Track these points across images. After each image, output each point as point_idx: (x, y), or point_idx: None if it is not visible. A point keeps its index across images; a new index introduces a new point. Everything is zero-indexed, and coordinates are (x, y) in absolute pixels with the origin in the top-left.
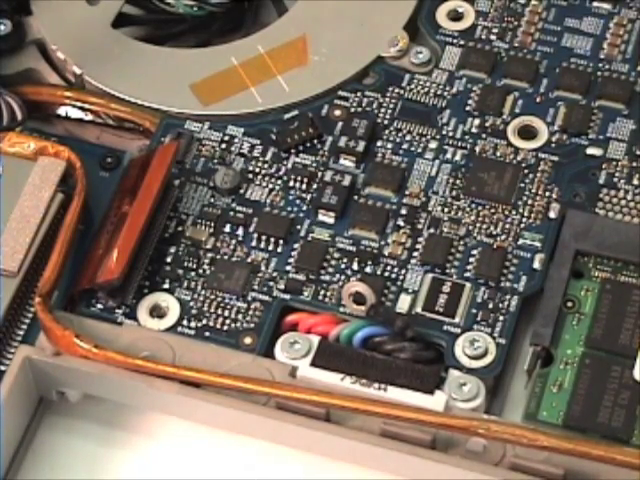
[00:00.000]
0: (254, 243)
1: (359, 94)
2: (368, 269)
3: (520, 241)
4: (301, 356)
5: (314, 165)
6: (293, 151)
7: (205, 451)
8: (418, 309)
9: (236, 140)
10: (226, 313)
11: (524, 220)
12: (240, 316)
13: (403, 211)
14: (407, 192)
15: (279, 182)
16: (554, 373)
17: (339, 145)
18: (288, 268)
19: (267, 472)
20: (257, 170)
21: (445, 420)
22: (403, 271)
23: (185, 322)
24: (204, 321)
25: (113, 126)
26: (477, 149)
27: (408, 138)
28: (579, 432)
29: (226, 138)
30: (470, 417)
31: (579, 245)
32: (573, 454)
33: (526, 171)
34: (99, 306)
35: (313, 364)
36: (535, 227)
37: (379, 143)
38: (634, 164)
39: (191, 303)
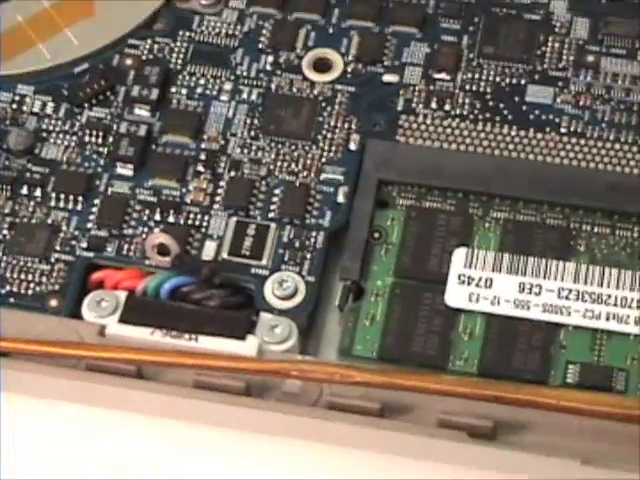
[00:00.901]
0: (53, 203)
1: (149, 41)
2: (171, 219)
3: (322, 176)
4: (109, 314)
5: (108, 118)
6: (86, 105)
7: (18, 420)
8: (224, 255)
9: (27, 99)
10: (30, 277)
11: (325, 154)
12: (44, 279)
13: (202, 156)
14: (205, 137)
15: (74, 138)
16: (365, 306)
17: (132, 95)
18: (89, 225)
19: (83, 434)
20: (51, 128)
21: (256, 365)
22: (207, 217)
23: None
24: (8, 287)
25: None
26: (273, 86)
27: (202, 82)
28: (395, 364)
29: (17, 98)
30: (282, 359)
31: (381, 174)
32: (388, 387)
33: (323, 104)
34: None
35: (121, 321)
36: (337, 160)
37: (173, 89)
38: (431, 87)
39: None
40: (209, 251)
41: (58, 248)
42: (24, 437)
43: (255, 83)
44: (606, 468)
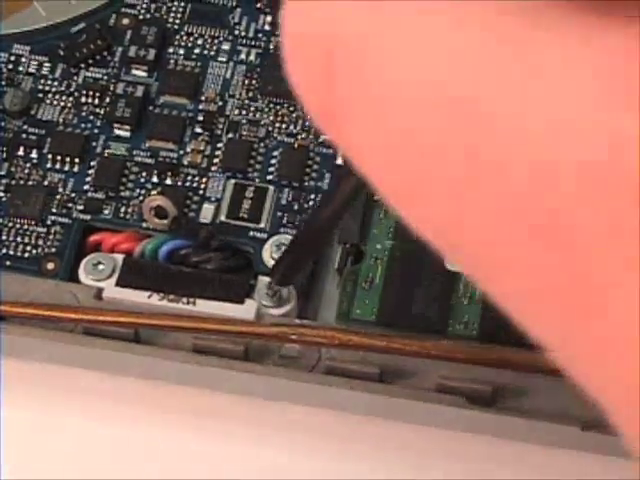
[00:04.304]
0: (49, 165)
1: (146, 0)
2: (169, 181)
3: (322, 137)
4: (106, 277)
5: (105, 78)
6: (83, 65)
7: (17, 386)
8: (222, 217)
9: (23, 59)
10: (26, 240)
11: None
12: (41, 241)
13: (200, 117)
14: (203, 98)
15: (71, 99)
16: (365, 269)
17: (129, 55)
18: (86, 187)
19: (82, 398)
20: (47, 89)
21: (255, 329)
22: (204, 180)
23: None
24: (4, 250)
25: None
26: (271, 47)
27: (200, 42)
28: (394, 327)
29: (12, 58)
30: (279, 323)
31: None
32: (387, 351)
33: None
34: None
35: (118, 284)
36: None
37: (170, 50)
38: None
39: None
40: (207, 214)
41: (54, 210)
42: (22, 401)
43: (253, 43)
44: (606, 434)
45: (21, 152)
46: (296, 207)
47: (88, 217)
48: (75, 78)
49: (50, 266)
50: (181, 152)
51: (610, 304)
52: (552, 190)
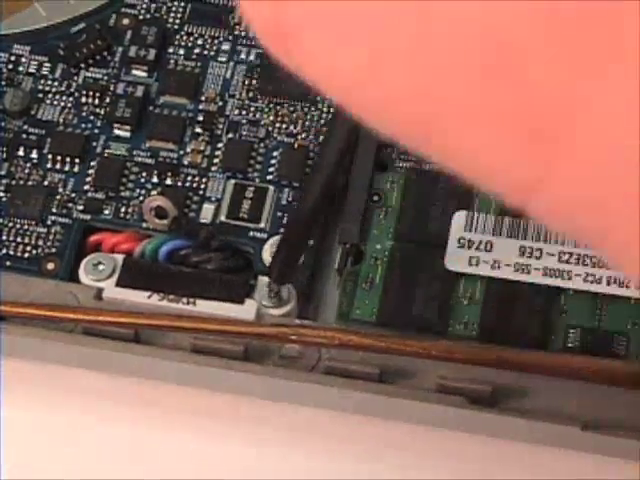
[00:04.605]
0: (49, 165)
1: (146, 0)
2: (169, 181)
3: (321, 137)
4: (106, 277)
5: (105, 78)
6: (83, 66)
7: (17, 386)
8: (222, 217)
9: (23, 59)
10: (26, 240)
11: (324, 116)
12: (41, 241)
13: (200, 118)
14: (203, 98)
15: (71, 99)
16: (365, 270)
17: (129, 55)
18: (86, 187)
19: (82, 398)
20: (47, 89)
21: (254, 329)
22: (204, 180)
23: None
24: (4, 250)
25: None
26: None
27: (200, 42)
28: (394, 328)
29: (12, 58)
30: (279, 323)
31: (381, 137)
32: (387, 351)
33: None
34: None
35: (118, 284)
36: None
37: (170, 50)
38: None
39: None
40: (207, 214)
41: (55, 210)
42: (21, 401)
43: (254, 43)
44: (607, 434)
45: (21, 152)
46: (295, 207)
47: (88, 217)
48: (75, 78)
49: (50, 266)
50: (181, 152)
51: (578, 125)
52: (500, 27)
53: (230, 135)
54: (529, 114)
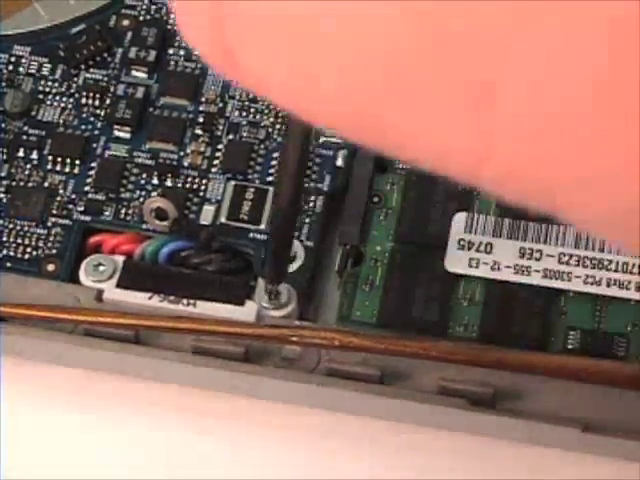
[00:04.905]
0: (50, 166)
1: (147, 1)
2: (169, 182)
3: (321, 139)
4: (107, 278)
5: (105, 79)
6: (83, 67)
7: (17, 386)
8: (222, 219)
9: (23, 60)
10: (26, 241)
11: None
12: (41, 243)
13: (200, 119)
14: (203, 99)
15: (71, 100)
16: (365, 271)
17: (130, 56)
18: (87, 189)
19: (81, 400)
20: (47, 90)
21: (255, 331)
22: (205, 181)
23: None
24: (4, 251)
25: None
26: None
27: None
28: (395, 329)
29: (12, 59)
30: (280, 325)
31: None
32: (387, 353)
33: None
34: None
35: (119, 285)
36: None
37: (171, 51)
38: None
39: None
40: (207, 215)
41: (55, 212)
42: (22, 402)
43: None
44: (607, 436)
45: (21, 153)
46: None
47: (88, 218)
48: (75, 79)
49: (51, 267)
50: (181, 153)
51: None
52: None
53: (230, 136)
54: (462, 85)
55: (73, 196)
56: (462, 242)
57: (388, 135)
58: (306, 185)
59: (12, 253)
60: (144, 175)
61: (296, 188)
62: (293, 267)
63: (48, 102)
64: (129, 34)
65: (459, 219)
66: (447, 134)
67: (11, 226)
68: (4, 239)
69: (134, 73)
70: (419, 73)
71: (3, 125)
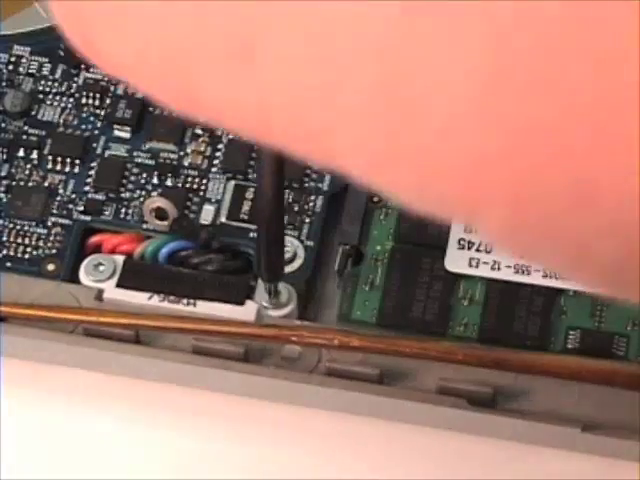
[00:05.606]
0: (50, 166)
1: None
2: (169, 182)
3: None
4: (107, 278)
5: (105, 79)
6: (83, 66)
7: (17, 386)
8: (222, 219)
9: (23, 60)
10: (26, 241)
11: None
12: (41, 242)
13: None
14: None
15: (71, 100)
16: (365, 271)
17: None
18: (87, 189)
19: (82, 399)
20: (47, 90)
21: (255, 330)
22: (205, 181)
23: None
24: (4, 251)
25: None
26: None
27: None
28: (394, 329)
29: (13, 59)
30: (280, 325)
31: None
32: (387, 353)
33: None
34: None
35: (119, 285)
36: None
37: None
38: None
39: None
40: (207, 215)
41: (55, 212)
42: (21, 401)
43: None
44: (606, 435)
45: (21, 153)
46: (296, 208)
47: (88, 218)
48: (75, 79)
49: (51, 267)
50: (181, 153)
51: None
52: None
53: (230, 136)
54: (224, 39)
55: (73, 196)
56: (462, 242)
57: (199, 100)
58: (306, 185)
59: (12, 253)
60: (144, 175)
61: (278, 182)
62: (293, 267)
63: (48, 102)
64: None
65: None
66: (223, 87)
67: (11, 226)
68: (4, 239)
69: None
70: (197, 33)
71: (3, 125)
